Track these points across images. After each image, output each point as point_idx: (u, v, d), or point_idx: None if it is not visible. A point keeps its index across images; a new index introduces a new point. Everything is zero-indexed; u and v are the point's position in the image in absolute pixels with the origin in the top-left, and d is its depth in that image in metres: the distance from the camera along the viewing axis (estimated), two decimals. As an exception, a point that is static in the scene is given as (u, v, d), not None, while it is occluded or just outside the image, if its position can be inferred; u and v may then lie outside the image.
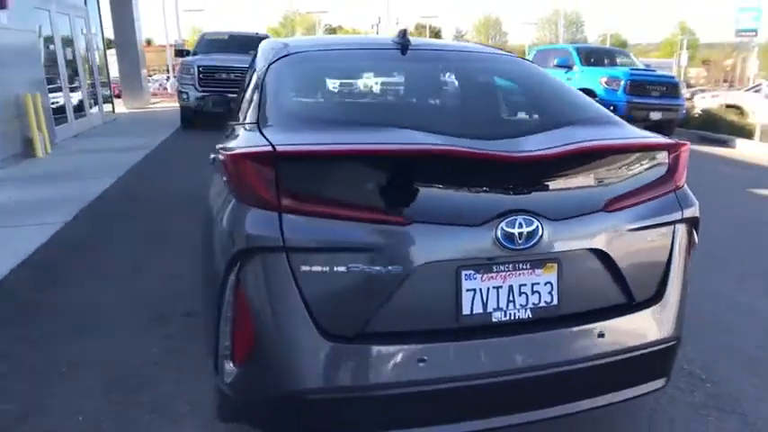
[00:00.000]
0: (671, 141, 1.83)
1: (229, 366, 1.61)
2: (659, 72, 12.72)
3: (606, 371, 1.72)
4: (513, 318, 1.60)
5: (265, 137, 1.60)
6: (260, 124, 1.75)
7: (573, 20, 66.23)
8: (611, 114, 2.03)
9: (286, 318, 1.47)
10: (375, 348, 1.50)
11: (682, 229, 1.83)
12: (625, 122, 2.00)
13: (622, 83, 10.78)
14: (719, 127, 10.98)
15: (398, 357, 1.51)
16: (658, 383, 1.88)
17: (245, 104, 2.41)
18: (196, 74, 10.11)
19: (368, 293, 1.49)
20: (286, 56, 2.22)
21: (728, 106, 12.79)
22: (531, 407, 1.67)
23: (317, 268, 1.46)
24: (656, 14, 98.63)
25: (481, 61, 2.49)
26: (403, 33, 2.38)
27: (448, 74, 2.34)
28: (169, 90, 27.64)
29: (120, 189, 6.14)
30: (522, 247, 1.54)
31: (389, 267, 1.47)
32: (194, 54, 11.35)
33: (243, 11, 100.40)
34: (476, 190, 1.55)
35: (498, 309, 1.59)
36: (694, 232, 1.90)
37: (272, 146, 1.49)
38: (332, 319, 1.48)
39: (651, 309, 1.78)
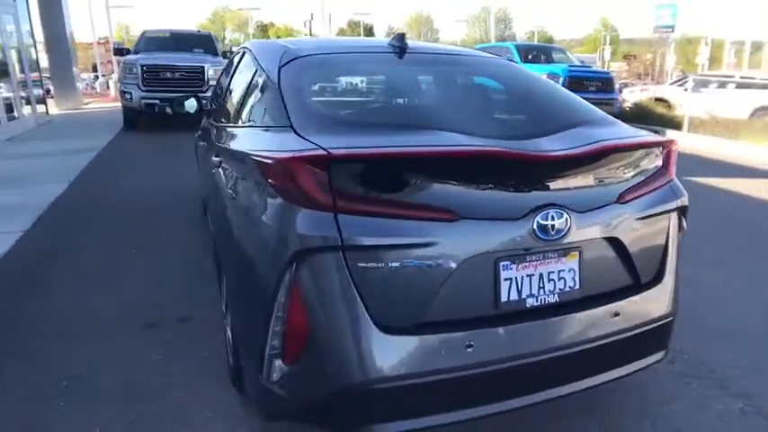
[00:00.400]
0: (664, 139, 2.04)
1: (279, 365, 1.66)
2: (594, 68, 13.41)
3: (620, 346, 1.90)
4: (543, 302, 1.75)
5: (309, 140, 1.65)
6: (294, 127, 1.79)
7: (501, 17, 68.30)
8: (608, 115, 2.21)
9: (343, 313, 1.54)
10: (426, 337, 1.60)
11: (675, 217, 2.04)
12: (620, 122, 2.19)
13: (561, 79, 11.28)
14: (650, 119, 11.72)
15: (448, 344, 1.62)
16: (660, 355, 2.09)
17: (248, 106, 2.44)
18: (140, 73, 9.74)
19: (419, 286, 1.59)
20: (295, 59, 2.26)
21: (657, 99, 13.63)
22: (560, 383, 1.82)
23: (372, 264, 1.54)
24: (579, 11, 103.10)
25: (480, 65, 2.62)
26: (401, 37, 2.47)
27: (456, 77, 2.46)
28: (98, 90, 26.40)
29: (77, 193, 5.89)
30: (553, 237, 1.69)
31: (439, 261, 1.58)
32: (135, 53, 10.92)
33: (172, 7, 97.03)
34: (513, 186, 1.68)
35: (531, 295, 1.73)
36: (684, 219, 2.11)
37: (325, 149, 1.55)
38: (386, 312, 1.56)
39: (654, 288, 1.97)
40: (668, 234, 2.02)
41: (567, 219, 1.70)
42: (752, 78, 12.68)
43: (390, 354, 1.57)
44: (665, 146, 2.02)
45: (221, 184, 2.31)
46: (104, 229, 4.66)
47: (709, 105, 11.06)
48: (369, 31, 70.83)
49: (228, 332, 2.27)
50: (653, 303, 1.98)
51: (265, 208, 1.71)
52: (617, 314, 1.87)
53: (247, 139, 2.15)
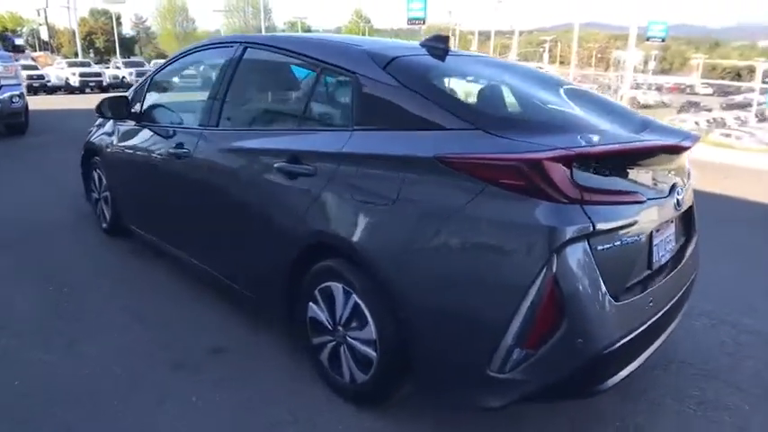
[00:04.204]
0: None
1: (519, 353, 1.79)
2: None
3: (690, 285, 2.47)
4: (667, 259, 2.23)
5: (524, 141, 1.80)
6: (484, 129, 1.87)
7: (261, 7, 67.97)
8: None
9: (591, 291, 1.77)
10: (633, 300, 1.94)
11: None
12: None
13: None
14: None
15: (642, 303, 1.98)
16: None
17: (336, 109, 2.47)
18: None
19: (627, 258, 1.93)
20: (393, 60, 2.21)
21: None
22: (676, 317, 2.33)
23: (606, 245, 1.80)
24: (335, 2, 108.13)
25: (534, 71, 3.02)
26: (446, 39, 2.56)
27: (534, 80, 2.65)
28: None
29: None
30: (680, 209, 2.17)
31: (639, 236, 1.95)
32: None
33: None
34: (664, 170, 2.14)
35: (664, 254, 2.19)
36: None
37: (566, 148, 1.74)
38: (612, 283, 1.83)
39: (695, 238, 2.58)
40: (693, 198, 2.65)
41: (683, 194, 2.19)
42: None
43: (619, 318, 1.86)
44: None
45: (345, 196, 2.16)
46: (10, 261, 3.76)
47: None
48: (117, 20, 64.07)
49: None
50: (695, 249, 2.59)
51: (492, 210, 1.77)
52: (690, 261, 2.44)
53: (397, 143, 2.03)
